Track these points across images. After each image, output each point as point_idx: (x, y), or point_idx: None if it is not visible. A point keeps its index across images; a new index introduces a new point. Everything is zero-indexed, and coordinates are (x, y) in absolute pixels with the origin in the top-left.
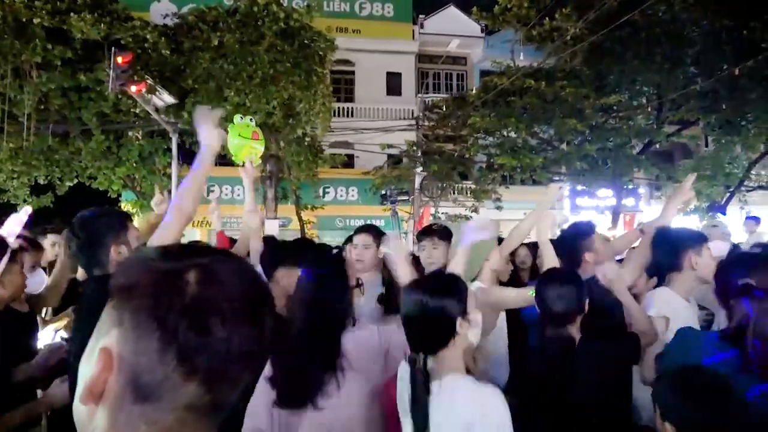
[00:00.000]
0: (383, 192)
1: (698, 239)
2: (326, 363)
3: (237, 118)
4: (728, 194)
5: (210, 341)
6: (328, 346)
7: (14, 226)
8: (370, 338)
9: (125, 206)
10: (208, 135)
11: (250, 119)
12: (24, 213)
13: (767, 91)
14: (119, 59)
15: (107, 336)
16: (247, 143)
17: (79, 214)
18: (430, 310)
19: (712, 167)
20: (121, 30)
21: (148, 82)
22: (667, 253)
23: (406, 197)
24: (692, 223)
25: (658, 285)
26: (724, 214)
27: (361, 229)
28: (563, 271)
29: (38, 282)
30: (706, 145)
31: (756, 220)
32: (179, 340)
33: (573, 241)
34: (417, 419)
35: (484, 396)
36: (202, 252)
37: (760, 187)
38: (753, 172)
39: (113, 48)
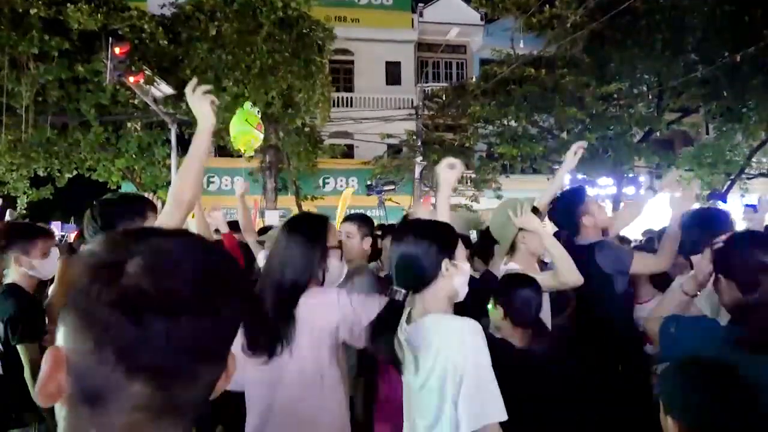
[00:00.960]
0: (368, 182)
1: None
2: (281, 314)
3: (248, 104)
4: (729, 182)
5: (149, 336)
6: (284, 298)
7: None
8: (329, 297)
9: None
10: (202, 117)
11: (258, 111)
12: None
13: None
14: (116, 50)
15: (59, 334)
16: (250, 131)
17: (101, 198)
18: (415, 248)
19: (712, 155)
20: (118, 20)
21: (146, 72)
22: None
23: (392, 186)
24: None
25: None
26: (725, 201)
27: (346, 218)
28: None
29: (52, 264)
30: (707, 133)
31: (754, 208)
32: (114, 336)
33: (568, 209)
34: (384, 345)
35: (464, 329)
36: (153, 237)
37: (761, 175)
38: (754, 159)
39: (110, 38)
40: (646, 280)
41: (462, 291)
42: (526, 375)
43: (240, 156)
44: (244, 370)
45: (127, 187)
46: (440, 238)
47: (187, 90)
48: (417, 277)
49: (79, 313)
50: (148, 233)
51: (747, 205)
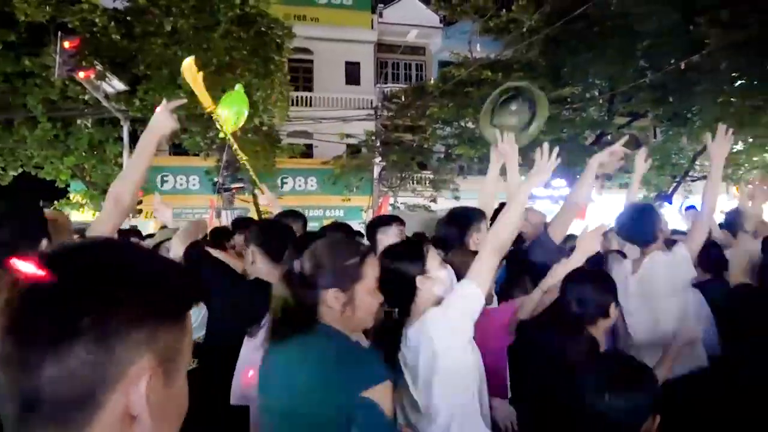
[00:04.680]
0: (214, 179)
1: None
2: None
3: (238, 86)
4: (674, 184)
5: None
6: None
7: None
8: None
9: (74, 197)
10: (156, 118)
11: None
12: None
13: (712, 85)
14: (66, 43)
15: None
16: (240, 114)
17: None
18: (391, 273)
19: (660, 158)
20: (68, 13)
21: (98, 67)
22: None
23: (241, 184)
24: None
25: None
26: (671, 203)
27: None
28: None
29: None
30: (655, 137)
31: (694, 208)
32: None
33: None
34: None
35: (441, 311)
36: None
37: (704, 177)
38: (697, 162)
39: (60, 32)
40: None
41: (440, 293)
42: None
43: (196, 155)
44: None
45: (77, 186)
46: (405, 258)
47: (165, 105)
48: (399, 299)
49: None
50: None
51: (688, 207)
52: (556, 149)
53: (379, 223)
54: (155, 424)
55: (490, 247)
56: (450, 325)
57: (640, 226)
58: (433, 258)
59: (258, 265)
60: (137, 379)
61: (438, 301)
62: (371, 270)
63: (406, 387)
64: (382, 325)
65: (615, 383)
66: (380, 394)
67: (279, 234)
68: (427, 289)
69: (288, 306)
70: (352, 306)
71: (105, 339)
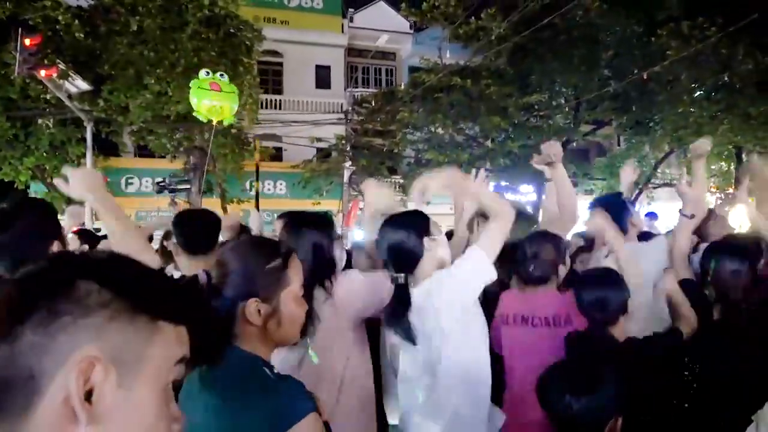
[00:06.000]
0: (159, 180)
1: None
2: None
3: (202, 73)
4: (637, 191)
5: None
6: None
7: None
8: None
9: None
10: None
11: (221, 74)
12: None
13: (672, 95)
14: (27, 41)
15: None
16: (206, 96)
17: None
18: (397, 242)
19: (623, 165)
20: (29, 10)
21: (60, 66)
22: None
23: (187, 186)
24: None
25: None
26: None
27: (279, 216)
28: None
29: None
30: (619, 144)
31: (654, 215)
32: None
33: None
34: (399, 327)
35: (448, 272)
36: None
37: (666, 184)
38: (659, 170)
39: (20, 29)
40: None
41: (447, 257)
42: None
43: (162, 157)
44: None
45: (37, 188)
46: (416, 222)
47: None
48: (409, 260)
49: None
50: None
51: (648, 213)
52: (482, 171)
53: None
54: (104, 427)
55: (497, 224)
56: (457, 286)
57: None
58: (434, 224)
59: (179, 259)
60: (78, 369)
61: (442, 265)
62: (296, 274)
63: (414, 347)
64: (395, 291)
65: (577, 386)
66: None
67: (194, 223)
68: (433, 251)
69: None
70: (277, 318)
71: (51, 321)
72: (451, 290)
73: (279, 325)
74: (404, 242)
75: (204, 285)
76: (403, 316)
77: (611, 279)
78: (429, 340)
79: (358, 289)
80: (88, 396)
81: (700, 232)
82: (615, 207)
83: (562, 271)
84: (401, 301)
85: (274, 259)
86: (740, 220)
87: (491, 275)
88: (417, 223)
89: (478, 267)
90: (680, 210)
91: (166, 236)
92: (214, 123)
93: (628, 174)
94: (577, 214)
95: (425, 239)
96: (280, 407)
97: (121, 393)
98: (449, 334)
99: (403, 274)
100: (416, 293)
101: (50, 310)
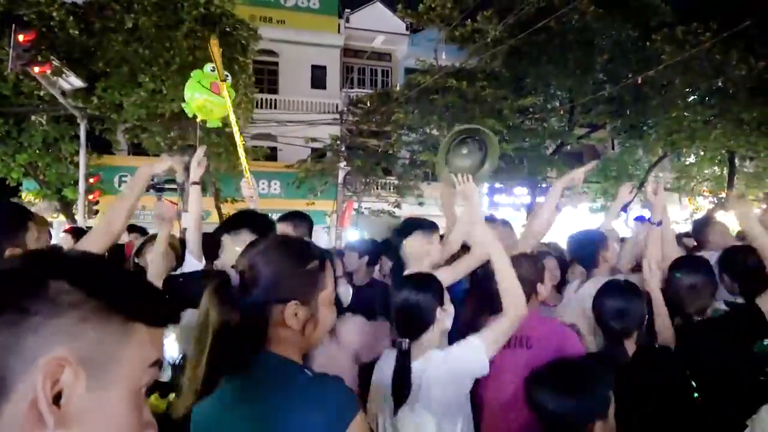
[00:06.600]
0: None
1: None
2: None
3: (207, 67)
4: (631, 194)
5: None
6: None
7: None
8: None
9: (26, 197)
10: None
11: (226, 74)
12: None
13: (666, 100)
14: (20, 37)
15: None
16: (201, 92)
17: None
18: (413, 303)
19: (617, 169)
20: (23, 6)
21: (54, 63)
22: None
23: (174, 185)
24: (599, 220)
25: None
26: (626, 212)
27: (280, 218)
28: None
29: None
30: (613, 148)
31: (642, 219)
32: None
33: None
34: (397, 391)
35: (452, 350)
36: None
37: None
38: (652, 173)
39: (14, 25)
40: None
41: (449, 325)
42: None
43: (156, 155)
44: None
45: (30, 185)
46: (431, 292)
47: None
48: (417, 329)
49: None
50: None
51: (637, 218)
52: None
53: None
54: (73, 430)
55: (507, 317)
56: (449, 377)
57: (583, 251)
58: (446, 291)
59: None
60: (46, 371)
61: (445, 330)
62: (330, 277)
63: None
64: (398, 357)
65: (560, 388)
66: (359, 428)
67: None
68: (441, 322)
69: (222, 334)
70: (314, 322)
71: (20, 321)
72: (443, 379)
73: (315, 329)
74: (419, 306)
75: (236, 285)
76: (406, 380)
77: (633, 291)
78: (419, 406)
79: (361, 332)
80: (57, 398)
81: (699, 239)
82: (587, 247)
83: (542, 289)
84: (402, 373)
85: (312, 261)
86: (732, 224)
87: (483, 370)
88: (436, 290)
89: (473, 357)
90: (648, 218)
91: (138, 253)
92: (198, 121)
93: (624, 194)
94: (543, 234)
95: (438, 310)
96: (334, 410)
97: (92, 395)
98: (437, 407)
99: (407, 340)
100: (415, 366)
101: (20, 309)
